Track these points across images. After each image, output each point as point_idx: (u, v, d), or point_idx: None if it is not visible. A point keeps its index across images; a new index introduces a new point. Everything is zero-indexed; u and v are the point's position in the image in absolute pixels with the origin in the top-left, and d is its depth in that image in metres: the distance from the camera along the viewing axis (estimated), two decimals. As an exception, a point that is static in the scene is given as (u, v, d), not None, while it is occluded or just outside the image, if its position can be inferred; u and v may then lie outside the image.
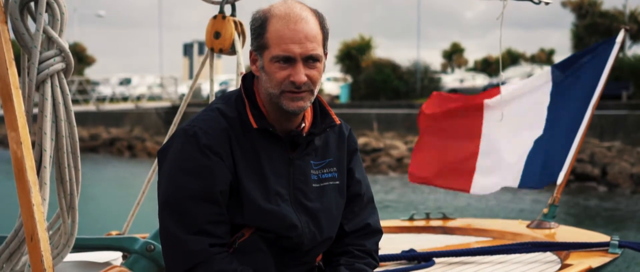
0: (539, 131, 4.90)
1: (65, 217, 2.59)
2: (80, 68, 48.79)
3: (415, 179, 5.18)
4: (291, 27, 2.40)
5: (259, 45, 2.47)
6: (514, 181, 4.90)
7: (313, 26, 2.44)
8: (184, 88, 42.99)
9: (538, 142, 4.88)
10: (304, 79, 2.42)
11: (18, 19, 2.43)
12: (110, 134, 37.48)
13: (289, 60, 2.42)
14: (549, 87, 4.95)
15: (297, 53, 2.41)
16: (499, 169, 4.96)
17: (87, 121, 39.03)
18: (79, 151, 2.55)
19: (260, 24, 2.46)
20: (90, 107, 37.98)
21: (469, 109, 5.13)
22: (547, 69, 5.06)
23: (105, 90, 42.15)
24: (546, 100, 4.93)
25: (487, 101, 5.10)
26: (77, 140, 2.54)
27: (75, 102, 36.89)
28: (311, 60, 2.43)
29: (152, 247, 3.16)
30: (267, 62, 2.45)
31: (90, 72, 50.88)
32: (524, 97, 5.02)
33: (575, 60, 4.95)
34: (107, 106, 38.64)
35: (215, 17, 3.70)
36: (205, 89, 40.69)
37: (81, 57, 50.19)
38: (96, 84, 44.10)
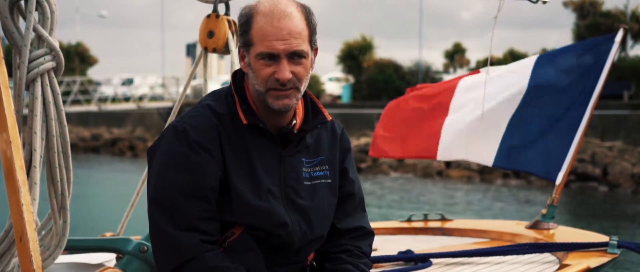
0: (511, 110, 4.88)
1: (56, 218, 2.57)
2: (83, 68, 48.82)
3: (377, 153, 5.23)
4: (275, 24, 2.38)
5: (245, 42, 2.45)
6: (488, 159, 4.90)
7: (298, 22, 2.41)
8: (187, 89, 42.92)
9: (514, 124, 4.85)
10: (288, 76, 2.40)
11: (8, 18, 2.41)
12: (112, 134, 37.51)
13: (273, 57, 2.40)
14: (530, 67, 4.92)
15: (281, 50, 2.38)
16: (468, 140, 4.95)
17: (88, 121, 39.06)
18: (69, 150, 2.53)
19: (246, 20, 2.44)
20: (92, 107, 37.99)
21: (442, 91, 5.12)
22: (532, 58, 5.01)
23: (107, 90, 42.10)
24: (525, 82, 4.90)
25: (461, 81, 5.07)
26: (68, 140, 2.52)
27: (77, 102, 36.96)
28: (296, 56, 2.41)
29: (146, 248, 3.14)
30: (253, 59, 2.43)
31: (92, 73, 50.91)
32: (503, 79, 5.00)
33: (566, 50, 4.93)
34: (109, 106, 38.63)
35: (208, 16, 3.68)
36: (209, 89, 40.54)
37: (83, 57, 50.19)
38: (98, 84, 44.08)
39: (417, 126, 5.15)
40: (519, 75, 4.93)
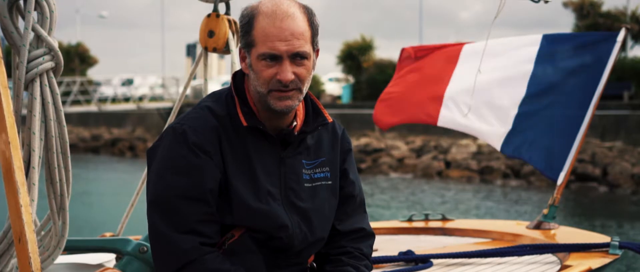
0: (520, 93, 4.86)
1: (55, 218, 2.55)
2: (83, 68, 48.83)
3: (383, 126, 5.21)
4: (277, 25, 2.36)
5: (247, 42, 2.43)
6: (497, 142, 4.88)
7: (300, 23, 2.39)
8: (187, 89, 42.91)
9: (521, 115, 4.84)
10: (291, 77, 2.38)
11: (7, 17, 2.40)
12: (112, 134, 37.50)
13: (275, 58, 2.38)
14: (534, 52, 4.91)
15: (283, 51, 2.37)
16: (475, 115, 4.93)
17: (89, 122, 39.07)
18: (69, 151, 2.51)
19: (248, 21, 2.42)
20: (92, 107, 37.98)
21: (446, 56, 5.12)
22: (537, 36, 5.01)
23: (107, 90, 42.10)
24: (529, 67, 4.89)
25: (466, 47, 5.08)
26: (67, 140, 2.50)
27: (77, 102, 36.95)
28: (298, 57, 2.39)
29: (145, 248, 3.13)
30: (255, 60, 2.41)
31: (92, 73, 50.89)
32: (506, 54, 5.00)
33: (568, 40, 4.91)
34: (109, 107, 38.61)
35: (209, 15, 3.67)
36: (209, 89, 40.49)
37: (83, 58, 50.17)
38: (98, 84, 44.08)
39: (419, 90, 5.13)
40: (523, 56, 4.91)
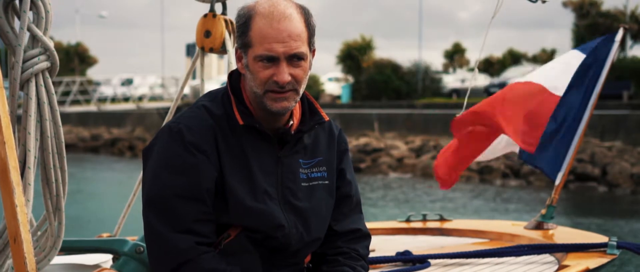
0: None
1: (51, 219, 2.55)
2: (83, 68, 48.88)
3: (447, 186, 5.00)
4: (274, 26, 2.36)
5: (243, 43, 2.42)
6: (515, 147, 4.80)
7: (297, 24, 2.38)
8: (186, 88, 42.91)
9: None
10: (288, 78, 2.38)
11: (2, 17, 2.39)
12: (111, 134, 37.51)
13: (272, 60, 2.37)
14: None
15: (281, 52, 2.36)
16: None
17: (88, 122, 39.07)
18: (64, 151, 2.50)
19: (245, 21, 2.41)
20: (92, 107, 37.98)
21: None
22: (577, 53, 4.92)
23: (107, 90, 42.13)
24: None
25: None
26: (63, 140, 2.50)
27: (76, 102, 36.94)
28: (295, 59, 2.38)
29: (142, 249, 3.12)
30: (251, 61, 2.41)
31: (92, 73, 50.94)
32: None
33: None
34: (109, 106, 38.62)
35: (205, 15, 3.66)
36: (207, 89, 40.53)
37: (83, 58, 50.24)
38: (98, 84, 44.10)
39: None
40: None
